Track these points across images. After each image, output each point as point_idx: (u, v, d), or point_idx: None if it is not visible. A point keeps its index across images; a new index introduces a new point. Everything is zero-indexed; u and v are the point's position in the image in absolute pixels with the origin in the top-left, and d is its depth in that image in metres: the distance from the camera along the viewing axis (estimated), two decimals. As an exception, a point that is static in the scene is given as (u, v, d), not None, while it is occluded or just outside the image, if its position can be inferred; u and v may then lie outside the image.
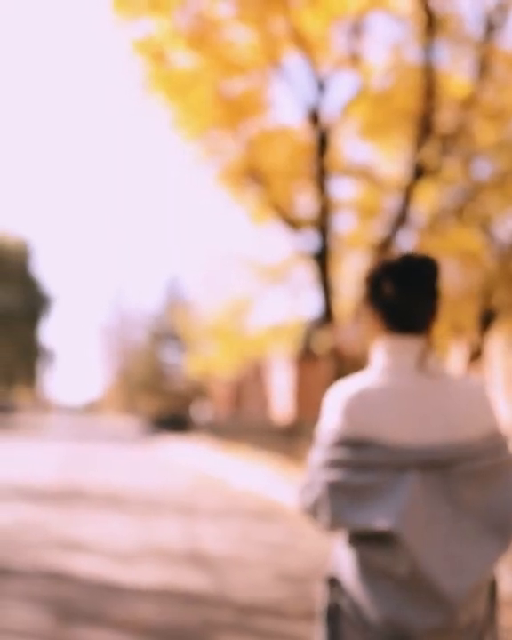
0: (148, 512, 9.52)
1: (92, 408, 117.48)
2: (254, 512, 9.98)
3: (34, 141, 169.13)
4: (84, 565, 6.16)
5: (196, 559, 6.59)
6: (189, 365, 26.72)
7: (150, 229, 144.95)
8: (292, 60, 11.58)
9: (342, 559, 1.82)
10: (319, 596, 1.89)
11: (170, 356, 54.11)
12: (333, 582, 1.84)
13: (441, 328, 12.18)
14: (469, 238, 12.23)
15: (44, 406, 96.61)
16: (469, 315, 12.57)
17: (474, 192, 11.30)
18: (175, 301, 49.29)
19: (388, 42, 11.43)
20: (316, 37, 11.11)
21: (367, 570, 1.74)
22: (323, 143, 11.60)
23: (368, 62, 11.50)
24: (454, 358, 14.75)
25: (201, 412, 33.55)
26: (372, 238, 11.73)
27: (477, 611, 1.71)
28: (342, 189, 13.69)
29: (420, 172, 10.60)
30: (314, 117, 11.65)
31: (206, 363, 24.06)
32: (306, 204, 12.44)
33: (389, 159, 12.70)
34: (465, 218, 11.52)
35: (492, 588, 1.80)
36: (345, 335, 11.22)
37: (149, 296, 66.07)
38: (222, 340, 20.58)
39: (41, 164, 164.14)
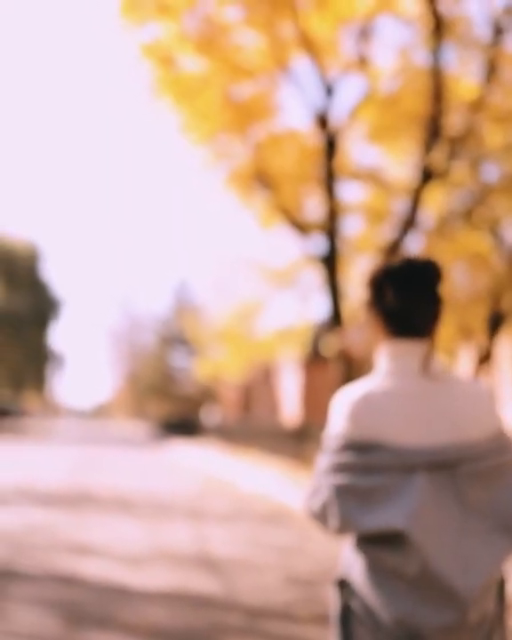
0: (157, 515, 9.53)
1: (100, 412, 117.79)
2: (263, 515, 9.98)
3: (43, 146, 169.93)
4: (93, 569, 6.17)
5: (205, 562, 6.59)
6: (198, 369, 26.75)
7: (159, 233, 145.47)
8: (300, 63, 11.61)
9: (352, 561, 1.83)
10: (330, 600, 1.89)
11: (179, 359, 54.18)
12: (344, 584, 1.85)
13: (449, 331, 12.16)
14: (478, 241, 12.23)
15: (53, 410, 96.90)
16: (478, 318, 12.55)
17: (482, 195, 11.29)
18: (184, 305, 49.41)
19: (396, 45, 11.46)
20: (323, 41, 11.14)
21: (377, 571, 1.76)
22: (331, 147, 11.61)
23: (376, 66, 11.52)
24: (463, 361, 14.71)
25: (210, 415, 33.56)
26: (380, 241, 11.73)
27: (487, 609, 1.74)
28: (350, 193, 13.69)
29: (428, 176, 10.59)
30: (322, 121, 11.66)
31: (215, 366, 24.10)
32: (314, 207, 12.46)
33: (397, 162, 12.71)
34: (473, 221, 11.51)
35: (501, 586, 1.82)
36: (353, 338, 11.20)
37: (158, 300, 66.43)
38: (231, 343, 20.63)
39: (50, 168, 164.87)
